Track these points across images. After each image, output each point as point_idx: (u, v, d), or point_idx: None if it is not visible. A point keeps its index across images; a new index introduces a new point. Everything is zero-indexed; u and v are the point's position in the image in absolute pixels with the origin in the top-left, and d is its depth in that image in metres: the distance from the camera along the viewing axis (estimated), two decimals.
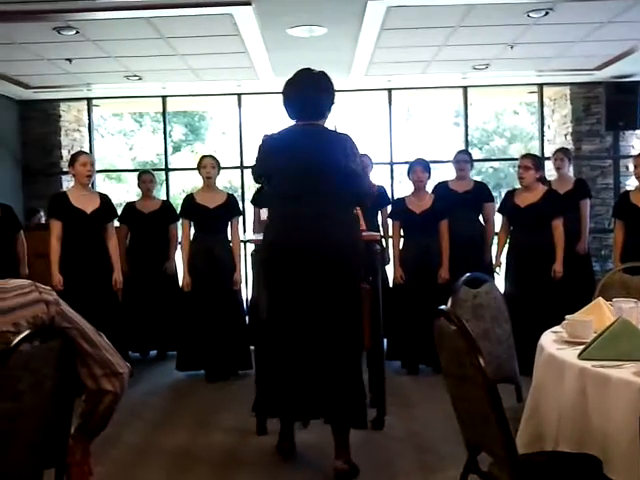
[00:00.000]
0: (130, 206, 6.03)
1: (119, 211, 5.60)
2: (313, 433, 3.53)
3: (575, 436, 1.90)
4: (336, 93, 3.32)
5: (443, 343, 2.03)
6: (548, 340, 2.24)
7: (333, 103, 3.30)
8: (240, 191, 8.24)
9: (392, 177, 8.00)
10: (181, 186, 13.41)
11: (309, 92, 3.23)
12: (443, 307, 2.03)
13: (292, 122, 3.31)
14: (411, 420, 4.10)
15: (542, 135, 8.17)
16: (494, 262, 5.39)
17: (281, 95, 3.32)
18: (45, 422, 1.83)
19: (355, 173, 3.17)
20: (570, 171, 6.36)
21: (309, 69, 3.30)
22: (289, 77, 3.34)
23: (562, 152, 6.14)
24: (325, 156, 3.15)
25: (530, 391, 2.10)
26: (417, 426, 4.00)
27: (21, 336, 1.70)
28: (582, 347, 2.02)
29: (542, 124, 8.16)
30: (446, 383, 2.15)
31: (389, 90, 7.81)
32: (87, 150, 7.82)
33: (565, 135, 7.85)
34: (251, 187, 7.25)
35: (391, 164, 7.94)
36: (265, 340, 3.36)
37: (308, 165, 3.13)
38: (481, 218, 5.65)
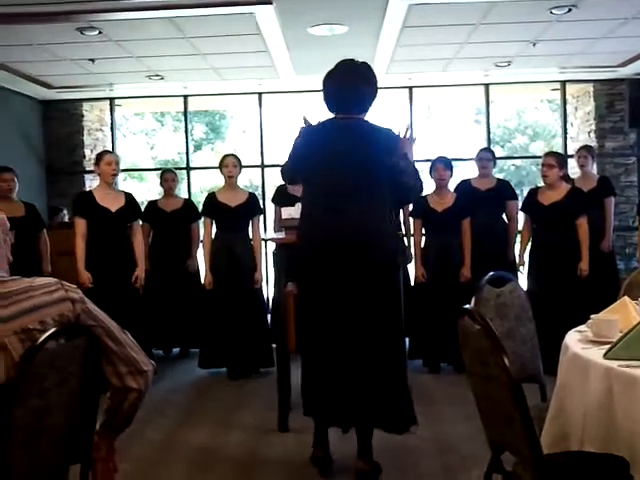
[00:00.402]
0: (152, 204, 6.07)
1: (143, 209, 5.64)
2: (335, 432, 3.52)
3: (601, 436, 1.88)
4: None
5: (467, 342, 2.02)
6: (573, 339, 2.22)
7: (376, 96, 3.17)
8: (261, 190, 8.26)
9: None
10: (201, 185, 13.47)
11: (350, 83, 3.09)
12: (467, 306, 2.02)
13: (330, 115, 3.19)
14: (433, 419, 4.07)
15: (565, 132, 8.10)
16: (517, 260, 5.34)
17: (322, 87, 3.17)
18: (71, 419, 1.85)
19: (398, 167, 3.06)
20: (594, 169, 6.29)
21: (352, 60, 3.16)
22: (330, 69, 3.18)
23: (586, 150, 6.08)
24: (366, 151, 3.04)
25: (555, 391, 2.08)
26: (439, 425, 3.98)
27: (47, 334, 1.72)
28: (607, 347, 2.00)
29: (565, 121, 8.09)
30: (470, 382, 2.14)
31: (410, 88, 7.80)
32: (110, 149, 7.89)
33: (588, 132, 7.78)
34: (272, 186, 7.27)
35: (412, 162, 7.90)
36: (307, 342, 3.20)
37: (348, 161, 3.01)
38: (504, 216, 5.61)
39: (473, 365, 2.05)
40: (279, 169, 3.32)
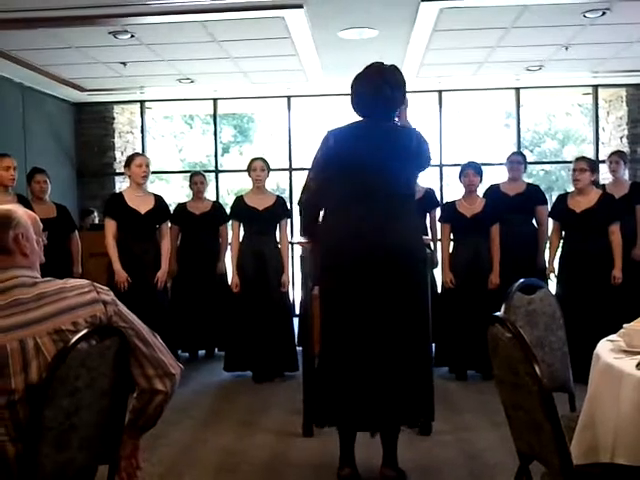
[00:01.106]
0: (181, 207, 6.10)
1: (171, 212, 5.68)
2: (361, 438, 3.50)
3: (633, 449, 1.84)
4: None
5: (497, 350, 2.00)
6: (605, 349, 2.18)
7: (404, 100, 3.16)
8: (288, 193, 8.28)
9: (441, 179, 7.94)
10: (229, 187, 13.54)
11: (380, 87, 3.05)
12: (498, 314, 2.00)
13: (358, 118, 3.16)
14: (459, 426, 4.04)
15: (597, 137, 7.99)
16: (547, 267, 5.28)
17: (349, 89, 3.14)
18: (101, 419, 1.87)
19: (428, 160, 3.14)
20: (626, 175, 6.20)
21: (381, 63, 3.14)
22: (358, 72, 3.16)
23: (618, 155, 5.98)
24: (395, 155, 3.03)
25: (585, 401, 2.05)
26: (466, 433, 3.94)
27: (79, 335, 1.74)
28: None
29: (597, 126, 7.99)
30: (499, 391, 2.12)
31: (439, 92, 7.77)
32: (140, 152, 7.98)
33: (620, 138, 7.67)
34: (299, 188, 7.28)
35: (440, 166, 7.88)
36: (332, 347, 3.12)
37: (377, 164, 2.98)
38: (534, 221, 5.55)
39: (503, 373, 2.02)
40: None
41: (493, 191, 5.59)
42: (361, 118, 3.15)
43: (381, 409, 3.02)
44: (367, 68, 3.15)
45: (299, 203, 5.60)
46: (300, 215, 3.24)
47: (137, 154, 5.29)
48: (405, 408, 3.05)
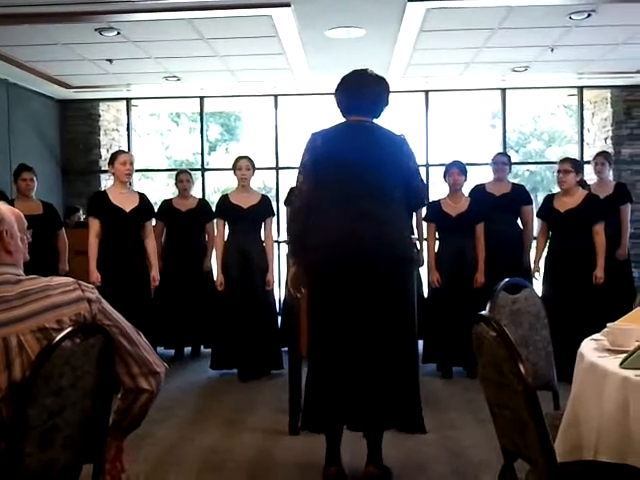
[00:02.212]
0: (167, 203, 6.07)
1: (156, 209, 5.66)
2: (347, 436, 3.51)
3: (616, 446, 1.86)
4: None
5: (482, 349, 2.01)
6: (589, 348, 2.20)
7: (388, 103, 3.19)
8: (275, 191, 8.28)
9: (428, 179, 7.96)
10: (214, 185, 13.50)
11: (364, 85, 3.11)
12: (483, 312, 2.01)
13: (342, 120, 3.19)
14: (444, 424, 4.06)
15: (582, 138, 8.05)
16: (532, 267, 5.31)
17: (335, 92, 3.19)
18: (85, 418, 1.86)
19: (414, 177, 3.13)
20: (610, 175, 6.25)
21: (365, 69, 3.19)
22: (343, 76, 3.21)
23: (603, 156, 6.04)
24: (381, 155, 3.06)
25: (569, 399, 2.07)
26: (450, 430, 3.96)
27: (63, 333, 1.73)
28: (624, 356, 1.98)
29: (582, 127, 8.05)
30: (484, 389, 2.13)
31: (426, 92, 7.79)
32: (125, 149, 7.94)
33: (605, 139, 7.73)
34: (285, 188, 7.28)
35: (427, 166, 7.90)
36: (317, 348, 3.12)
37: (364, 164, 3.01)
38: (519, 221, 5.58)
39: (487, 372, 2.04)
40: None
41: (478, 191, 5.61)
42: (345, 119, 3.17)
43: (368, 409, 3.03)
44: (351, 71, 3.21)
45: (286, 203, 5.62)
46: (291, 221, 3.16)
47: (121, 151, 5.26)
48: (392, 409, 3.05)
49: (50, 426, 1.72)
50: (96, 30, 5.21)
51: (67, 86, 7.27)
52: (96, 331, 1.86)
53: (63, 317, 1.81)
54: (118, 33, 5.29)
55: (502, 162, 5.66)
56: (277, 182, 8.24)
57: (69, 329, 1.75)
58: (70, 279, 1.92)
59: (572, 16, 4.97)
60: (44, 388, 1.68)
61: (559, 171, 5.05)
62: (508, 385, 1.87)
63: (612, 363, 1.97)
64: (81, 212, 7.26)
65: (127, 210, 4.91)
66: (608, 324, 2.27)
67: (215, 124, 17.59)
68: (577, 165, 5.12)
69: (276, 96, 7.94)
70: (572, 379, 2.11)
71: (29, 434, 1.66)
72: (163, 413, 4.28)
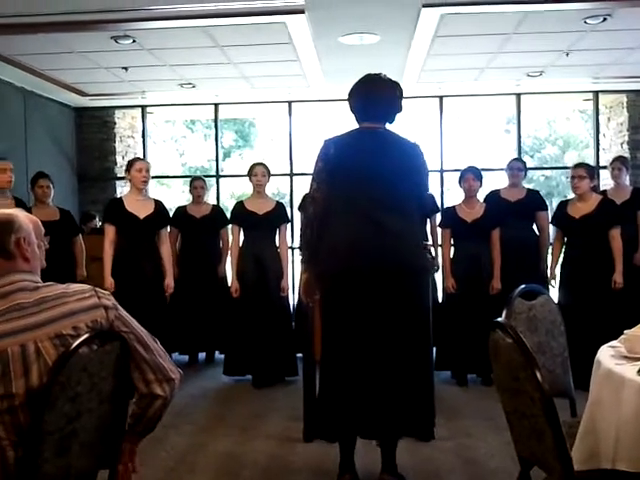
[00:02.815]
0: (182, 210, 6.10)
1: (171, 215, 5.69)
2: (361, 444, 3.50)
3: (634, 455, 1.84)
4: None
5: (498, 356, 2.00)
6: (606, 355, 2.18)
7: (401, 109, 3.17)
8: (289, 198, 8.29)
9: (442, 185, 7.94)
10: (230, 191, 13.55)
11: (378, 90, 3.10)
12: (499, 319, 2.00)
13: (355, 125, 3.19)
14: (459, 432, 4.04)
15: (597, 143, 8.00)
16: (548, 274, 5.27)
17: (348, 97, 3.18)
18: (101, 424, 1.87)
19: (426, 185, 3.15)
20: (627, 180, 6.20)
21: (379, 74, 3.18)
22: (351, 81, 3.21)
23: (620, 161, 5.98)
24: (394, 161, 3.04)
25: (587, 407, 2.05)
26: (466, 438, 3.94)
27: (80, 339, 1.74)
28: None
29: (597, 132, 7.99)
30: (500, 396, 2.11)
31: (440, 97, 7.78)
32: (141, 156, 7.99)
33: (621, 144, 7.68)
34: (299, 194, 7.29)
35: (441, 172, 7.88)
36: (331, 357, 3.09)
37: (378, 172, 3.00)
38: (534, 227, 5.55)
39: (504, 379, 2.02)
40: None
41: (493, 197, 5.58)
42: (359, 125, 3.17)
43: (382, 419, 3.00)
44: (364, 75, 3.19)
45: (300, 209, 5.63)
46: (305, 228, 3.14)
47: (137, 159, 5.29)
48: (406, 419, 3.03)
49: (67, 432, 1.73)
50: (112, 38, 5.25)
51: (83, 94, 7.33)
52: (112, 338, 1.88)
53: (80, 323, 1.83)
54: (134, 41, 5.33)
55: (517, 168, 5.62)
56: (291, 188, 8.25)
57: (86, 335, 1.77)
58: (87, 286, 1.94)
59: (587, 20, 4.95)
60: (61, 394, 1.69)
61: (573, 176, 5.01)
62: (524, 392, 1.86)
63: (630, 370, 1.96)
64: (97, 219, 7.31)
65: (141, 217, 4.93)
66: (625, 331, 2.25)
67: (229, 131, 17.68)
68: (591, 170, 5.08)
69: (290, 102, 7.95)
70: (588, 386, 2.10)
71: (46, 440, 1.67)
72: (177, 419, 4.30)
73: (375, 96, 3.11)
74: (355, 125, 3.20)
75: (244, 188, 8.85)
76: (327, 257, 3.06)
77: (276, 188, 13.14)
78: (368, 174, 3.01)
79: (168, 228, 5.32)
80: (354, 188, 3.02)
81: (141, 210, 4.95)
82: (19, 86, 6.76)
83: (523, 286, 2.64)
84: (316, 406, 3.20)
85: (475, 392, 4.96)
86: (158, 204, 5.09)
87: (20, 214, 1.97)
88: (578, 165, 5.14)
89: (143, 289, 4.85)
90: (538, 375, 1.76)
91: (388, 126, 3.17)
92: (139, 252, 4.91)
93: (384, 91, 3.13)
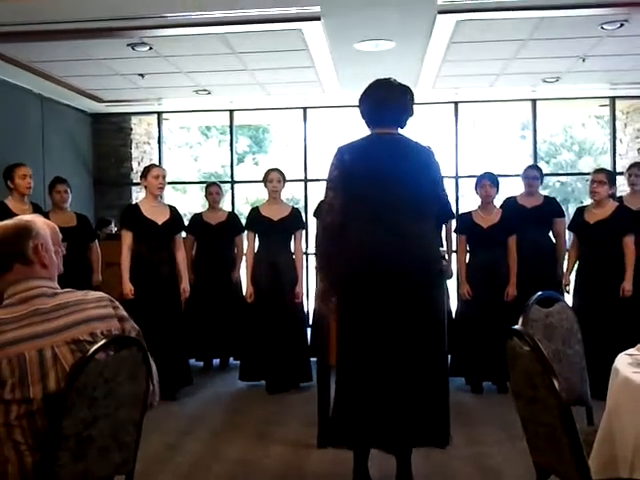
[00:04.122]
0: (197, 217, 6.14)
1: (187, 221, 5.72)
2: (376, 451, 3.48)
3: None
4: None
5: (515, 364, 1.99)
6: (623, 363, 2.16)
7: (412, 113, 3.16)
8: (303, 203, 8.30)
9: (457, 191, 7.92)
10: (245, 196, 13.59)
11: (389, 95, 3.10)
12: (516, 327, 1.99)
13: (368, 132, 3.18)
14: (474, 440, 4.01)
15: (614, 149, 7.94)
16: (563, 280, 5.24)
17: (358, 103, 3.19)
18: (117, 429, 1.88)
19: (441, 189, 3.14)
20: None
21: (388, 79, 3.18)
22: (365, 87, 3.21)
23: (637, 167, 5.90)
24: (409, 166, 3.04)
25: (604, 415, 2.03)
26: (481, 446, 3.91)
27: (97, 345, 1.75)
28: None
29: (614, 138, 7.94)
30: (516, 404, 2.10)
31: (455, 103, 7.76)
32: (156, 162, 8.04)
33: (638, 149, 7.62)
34: (314, 199, 7.30)
35: (456, 177, 7.86)
36: (347, 364, 3.09)
37: (394, 176, 2.99)
38: (551, 234, 5.51)
39: (520, 387, 2.01)
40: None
41: (510, 203, 5.55)
42: (370, 131, 3.16)
43: (397, 429, 2.99)
44: (375, 81, 3.20)
45: (315, 215, 5.63)
46: (321, 237, 3.13)
47: (154, 165, 5.32)
48: (421, 426, 3.01)
49: (84, 437, 1.74)
50: (128, 45, 5.29)
51: (100, 100, 7.39)
52: (129, 343, 1.89)
53: (96, 330, 1.84)
54: (150, 48, 5.37)
55: (533, 177, 5.56)
56: (305, 194, 8.26)
57: (103, 341, 1.78)
58: (104, 295, 1.95)
59: (604, 26, 4.92)
60: (78, 400, 1.70)
61: (593, 181, 4.97)
62: (541, 400, 1.84)
63: None
64: (113, 224, 7.35)
65: (159, 223, 4.96)
66: None
67: (243, 136, 17.74)
68: (611, 176, 5.05)
69: (305, 109, 7.97)
70: (604, 394, 2.08)
71: (63, 445, 1.68)
72: (192, 425, 4.31)
73: (386, 101, 3.11)
74: (367, 130, 3.19)
75: (258, 194, 8.86)
76: (344, 264, 3.06)
77: (290, 194, 13.16)
78: (383, 180, 3.00)
79: (183, 234, 5.34)
80: (370, 194, 3.01)
81: (158, 216, 4.97)
82: (37, 92, 6.83)
83: (540, 293, 2.62)
84: (332, 413, 3.18)
85: (490, 399, 4.92)
86: (173, 210, 5.12)
87: (38, 220, 1.98)
88: (599, 170, 5.11)
89: (161, 294, 4.88)
90: (555, 383, 1.75)
91: (400, 130, 3.16)
92: (157, 258, 4.94)
93: (396, 96, 3.13)
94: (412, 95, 3.18)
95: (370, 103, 3.16)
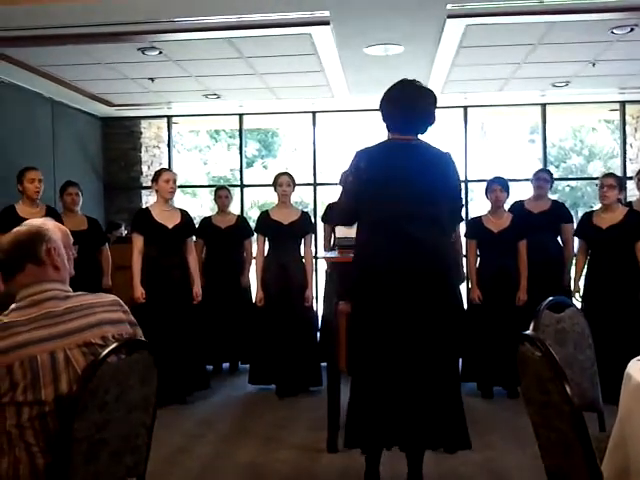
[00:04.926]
0: (207, 221, 6.15)
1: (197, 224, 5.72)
2: (386, 454, 3.47)
3: None
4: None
5: (526, 369, 1.98)
6: (636, 369, 2.14)
7: (435, 119, 3.09)
8: (312, 207, 8.30)
9: (467, 195, 7.90)
10: (253, 199, 13.61)
11: (416, 103, 3.02)
12: (527, 332, 1.98)
13: (382, 133, 3.15)
14: (485, 445, 3.98)
15: (624, 154, 7.91)
16: (572, 287, 5.21)
17: (380, 104, 3.10)
18: (128, 432, 1.88)
19: (458, 196, 3.14)
20: None
21: (413, 81, 3.09)
22: (389, 86, 3.11)
23: None
24: (427, 174, 3.00)
25: (617, 421, 2.02)
26: (492, 451, 3.89)
27: (109, 348, 1.76)
28: None
29: (624, 142, 7.91)
30: (527, 409, 2.09)
31: (465, 107, 7.75)
32: (166, 166, 8.06)
33: None
34: (322, 204, 7.30)
35: (466, 182, 7.84)
36: (361, 364, 3.08)
37: (411, 183, 2.96)
38: (559, 239, 5.49)
39: (532, 392, 2.00)
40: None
41: (517, 208, 5.53)
42: (390, 136, 3.13)
43: (413, 430, 2.98)
44: (399, 84, 3.10)
45: (323, 220, 5.62)
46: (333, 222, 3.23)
47: (164, 169, 5.33)
48: (437, 430, 3.01)
49: (95, 440, 1.74)
50: (138, 50, 5.31)
51: (110, 104, 7.42)
52: (140, 347, 1.89)
53: (107, 334, 1.85)
54: (160, 52, 5.39)
55: (544, 179, 5.56)
56: (314, 198, 8.26)
57: (114, 345, 1.78)
58: (116, 299, 1.96)
59: (614, 30, 4.90)
60: (90, 403, 1.70)
61: (602, 185, 4.95)
62: (553, 406, 1.83)
63: None
64: (123, 227, 7.37)
65: (170, 227, 4.97)
66: None
67: (252, 140, 17.78)
68: (620, 181, 5.03)
69: (314, 113, 7.97)
70: (615, 400, 2.07)
71: (75, 448, 1.69)
72: (201, 428, 4.31)
73: (408, 106, 3.02)
74: (383, 131, 3.15)
75: (266, 197, 8.86)
76: (359, 271, 3.06)
77: (299, 197, 13.17)
78: (400, 188, 2.97)
79: (194, 237, 5.35)
80: (385, 202, 2.99)
81: (169, 220, 4.99)
82: (47, 96, 6.86)
83: (551, 298, 2.61)
84: (347, 415, 3.15)
85: (501, 404, 4.90)
86: (184, 214, 5.13)
87: (50, 224, 2.00)
88: (608, 174, 5.09)
89: (172, 298, 4.89)
90: (567, 388, 1.74)
91: (420, 136, 3.11)
92: (167, 262, 4.95)
93: (420, 102, 3.04)
94: (435, 99, 3.10)
95: (391, 107, 3.07)
